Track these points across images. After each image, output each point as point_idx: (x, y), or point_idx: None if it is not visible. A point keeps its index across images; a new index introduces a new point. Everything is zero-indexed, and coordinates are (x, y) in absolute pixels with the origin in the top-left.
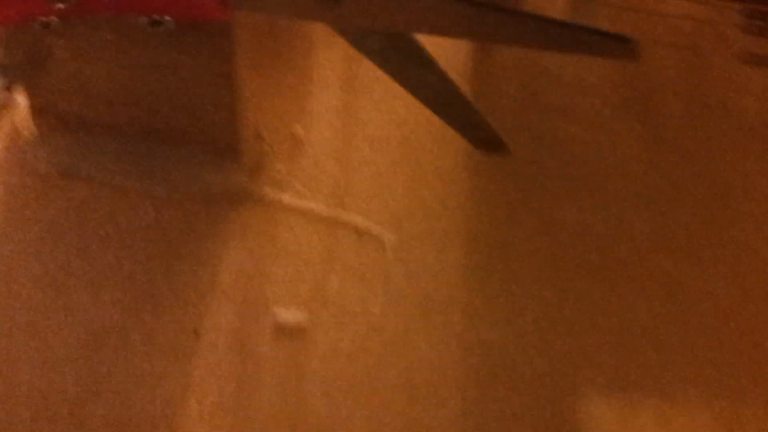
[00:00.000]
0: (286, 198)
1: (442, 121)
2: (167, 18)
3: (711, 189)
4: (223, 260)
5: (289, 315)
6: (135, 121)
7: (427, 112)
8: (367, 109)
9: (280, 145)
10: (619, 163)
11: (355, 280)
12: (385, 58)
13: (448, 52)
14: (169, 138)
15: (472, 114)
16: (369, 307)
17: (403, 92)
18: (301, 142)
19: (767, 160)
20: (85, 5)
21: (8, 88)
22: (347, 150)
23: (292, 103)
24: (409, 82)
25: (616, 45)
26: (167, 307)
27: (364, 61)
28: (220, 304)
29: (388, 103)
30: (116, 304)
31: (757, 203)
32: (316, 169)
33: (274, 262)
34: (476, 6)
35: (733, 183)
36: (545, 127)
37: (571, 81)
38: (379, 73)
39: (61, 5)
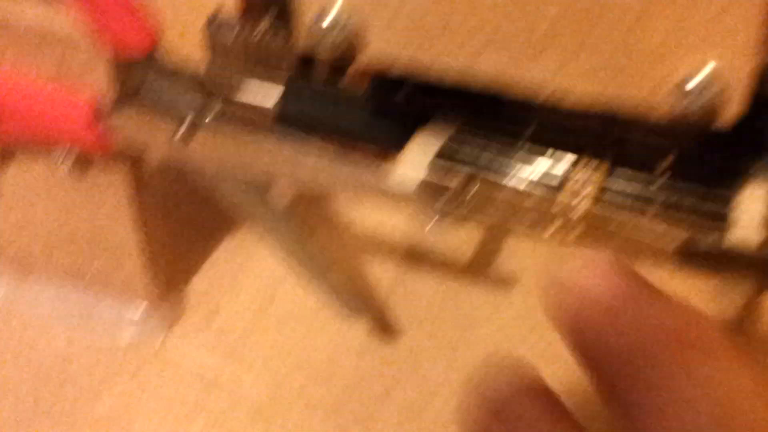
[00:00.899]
0: (182, 350)
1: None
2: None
3: None
4: (102, 395)
5: None
6: (67, 263)
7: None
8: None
9: (193, 305)
10: None
11: None
12: (240, 205)
13: None
14: (95, 282)
15: (327, 275)
16: None
17: None
18: (215, 306)
19: None
20: None
21: None
22: (257, 317)
23: (215, 260)
24: (265, 233)
25: None
26: None
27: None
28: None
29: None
30: None
31: None
32: (219, 334)
33: (147, 407)
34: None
35: None
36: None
37: None
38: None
39: None
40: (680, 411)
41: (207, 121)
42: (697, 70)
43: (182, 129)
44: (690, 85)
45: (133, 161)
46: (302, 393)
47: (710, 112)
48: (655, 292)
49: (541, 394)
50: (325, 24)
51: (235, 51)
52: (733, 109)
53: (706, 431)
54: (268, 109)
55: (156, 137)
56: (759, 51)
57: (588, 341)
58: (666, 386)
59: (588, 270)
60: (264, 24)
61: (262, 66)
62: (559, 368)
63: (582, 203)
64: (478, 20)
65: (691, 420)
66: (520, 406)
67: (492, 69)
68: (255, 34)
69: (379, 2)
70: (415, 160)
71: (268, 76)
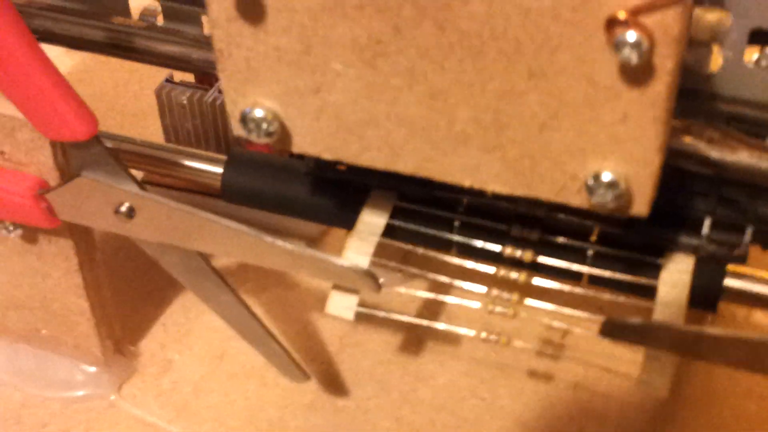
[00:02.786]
0: (134, 405)
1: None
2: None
3: None
4: None
5: None
6: (19, 327)
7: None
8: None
9: (146, 361)
10: None
11: None
12: (183, 274)
13: None
14: (47, 344)
15: (270, 341)
16: None
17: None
18: (167, 362)
19: None
20: None
21: None
22: (208, 372)
23: (168, 317)
24: (209, 301)
25: None
26: None
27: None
28: None
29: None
30: None
31: None
32: (172, 389)
33: None
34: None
35: None
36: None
37: None
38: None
39: None
40: None
41: (151, 197)
42: (601, 172)
43: (123, 207)
44: (596, 186)
45: (83, 231)
46: None
47: (620, 206)
48: None
49: None
50: (257, 114)
51: (186, 115)
52: (641, 203)
53: None
54: (213, 183)
55: (97, 215)
56: (659, 153)
57: None
58: None
59: None
60: (214, 90)
61: (212, 132)
62: (506, 423)
63: (517, 276)
64: (397, 119)
65: None
66: None
67: (412, 163)
68: (206, 99)
69: (300, 105)
70: (361, 245)
71: (217, 145)
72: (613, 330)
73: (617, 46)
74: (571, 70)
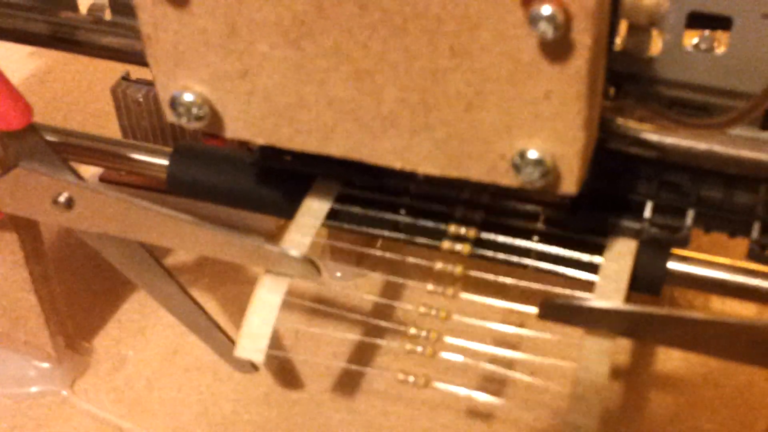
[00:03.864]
0: (88, 400)
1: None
2: None
3: None
4: None
5: None
6: None
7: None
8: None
9: (100, 357)
10: None
11: None
12: (127, 266)
13: None
14: (4, 341)
15: (215, 331)
16: None
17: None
18: (121, 358)
19: None
20: None
21: None
22: (162, 367)
23: (122, 313)
24: (154, 293)
25: None
26: None
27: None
28: None
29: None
30: None
31: None
32: (125, 385)
33: None
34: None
35: None
36: None
37: None
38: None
39: None
40: None
41: (89, 187)
42: (527, 151)
43: (62, 197)
44: (523, 164)
45: (27, 223)
46: None
47: (549, 184)
48: None
49: None
50: (186, 99)
51: (142, 113)
52: (570, 181)
53: None
54: (159, 174)
55: (36, 206)
56: (585, 130)
57: None
58: None
59: None
60: None
61: (169, 129)
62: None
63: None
64: (326, 101)
65: None
66: None
67: (344, 146)
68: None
69: (229, 89)
70: (302, 231)
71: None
72: (551, 312)
73: (533, 20)
74: (493, 48)
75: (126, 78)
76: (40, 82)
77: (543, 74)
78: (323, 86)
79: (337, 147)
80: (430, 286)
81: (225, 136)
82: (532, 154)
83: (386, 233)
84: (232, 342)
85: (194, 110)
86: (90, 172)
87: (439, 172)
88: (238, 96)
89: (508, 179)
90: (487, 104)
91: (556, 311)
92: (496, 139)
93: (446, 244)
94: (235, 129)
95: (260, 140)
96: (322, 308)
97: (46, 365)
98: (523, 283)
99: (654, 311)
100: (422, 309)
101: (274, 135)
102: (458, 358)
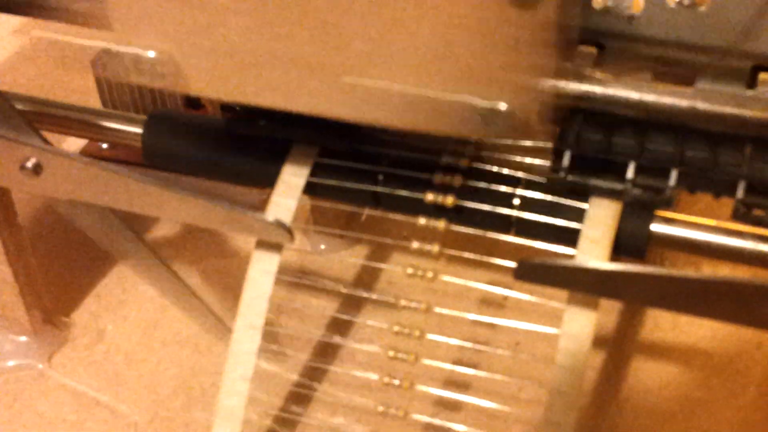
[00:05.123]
0: (65, 373)
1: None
2: None
3: None
4: None
5: None
6: None
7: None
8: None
9: (78, 331)
10: None
11: None
12: (99, 233)
13: None
14: None
15: (190, 297)
16: None
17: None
18: (100, 332)
19: None
20: None
21: None
22: (142, 341)
23: (102, 287)
24: (128, 261)
25: None
26: None
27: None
28: None
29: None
30: None
31: None
32: (104, 359)
33: (28, 429)
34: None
35: None
36: None
37: None
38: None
39: None
40: None
41: (57, 151)
42: (497, 102)
43: (29, 163)
44: (491, 115)
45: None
46: (183, 415)
47: (520, 133)
48: None
49: None
50: (150, 55)
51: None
52: (538, 131)
53: None
54: (134, 143)
55: (4, 173)
56: (552, 79)
57: None
58: None
59: None
60: None
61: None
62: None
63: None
64: (291, 55)
65: None
66: None
67: (311, 100)
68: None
69: (193, 45)
70: (283, 202)
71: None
72: (528, 272)
73: None
74: None
75: (107, 51)
76: (25, 59)
77: (512, 23)
78: (288, 40)
79: (306, 104)
80: (415, 244)
81: (190, 94)
82: (502, 106)
83: (366, 208)
84: (202, 303)
85: (158, 68)
86: (71, 150)
87: (412, 126)
88: (201, 52)
89: (477, 131)
90: (448, 66)
91: (533, 272)
92: (465, 90)
93: (429, 198)
94: (200, 86)
95: (226, 98)
96: (307, 282)
97: (23, 339)
98: (509, 238)
99: (632, 269)
100: (410, 270)
101: (239, 92)
102: (444, 339)
